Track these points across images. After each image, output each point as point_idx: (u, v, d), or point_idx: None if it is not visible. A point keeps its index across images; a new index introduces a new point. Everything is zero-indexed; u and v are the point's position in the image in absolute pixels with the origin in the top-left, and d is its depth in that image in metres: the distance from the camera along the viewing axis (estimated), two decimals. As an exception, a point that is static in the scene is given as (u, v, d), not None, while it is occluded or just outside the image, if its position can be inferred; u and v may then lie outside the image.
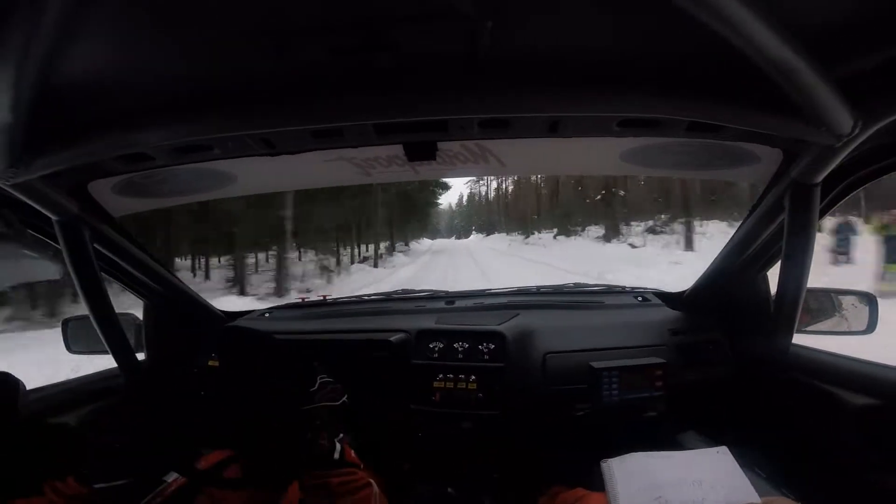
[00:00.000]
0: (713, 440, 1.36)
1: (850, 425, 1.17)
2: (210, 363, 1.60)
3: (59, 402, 1.37)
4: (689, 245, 19.41)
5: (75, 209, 1.18)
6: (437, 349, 1.61)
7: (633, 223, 26.05)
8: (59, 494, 1.01)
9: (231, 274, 15.37)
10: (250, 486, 1.22)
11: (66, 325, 1.69)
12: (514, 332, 1.60)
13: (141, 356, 1.66)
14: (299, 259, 18.62)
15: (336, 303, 2.12)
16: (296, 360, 1.20)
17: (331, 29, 0.70)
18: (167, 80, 0.82)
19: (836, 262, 10.35)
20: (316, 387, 1.16)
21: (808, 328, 1.44)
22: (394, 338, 1.63)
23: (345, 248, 22.17)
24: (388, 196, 21.85)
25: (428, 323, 1.72)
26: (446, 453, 1.65)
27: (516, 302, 1.88)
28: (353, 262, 21.63)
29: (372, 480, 1.09)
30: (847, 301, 1.43)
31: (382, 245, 27.14)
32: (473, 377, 1.53)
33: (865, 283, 6.92)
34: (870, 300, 1.38)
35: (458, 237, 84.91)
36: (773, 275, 1.35)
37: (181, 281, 1.74)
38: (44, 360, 4.99)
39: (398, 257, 27.15)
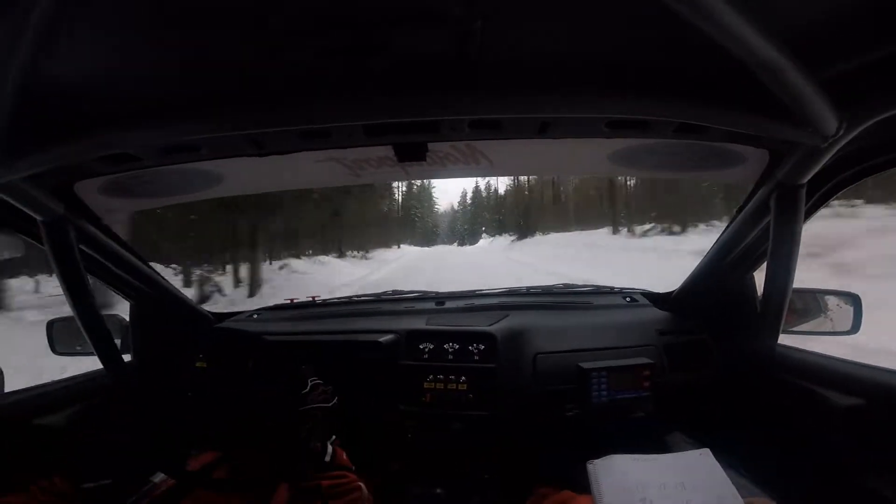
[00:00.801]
0: (700, 440, 1.38)
1: (836, 426, 1.18)
2: (198, 364, 1.59)
3: (44, 402, 1.35)
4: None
5: (60, 210, 1.16)
6: (427, 350, 1.61)
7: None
8: (46, 493, 1.00)
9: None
10: (239, 488, 1.21)
11: (52, 326, 1.66)
12: (504, 333, 1.61)
13: (128, 357, 1.64)
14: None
15: (325, 304, 2.11)
16: (285, 361, 1.20)
17: (320, 30, 0.69)
18: (154, 79, 0.81)
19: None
20: (307, 388, 1.15)
21: (794, 328, 1.46)
22: (383, 339, 1.63)
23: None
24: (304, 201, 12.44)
25: (418, 324, 1.72)
26: (436, 454, 1.65)
27: (506, 303, 1.89)
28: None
29: (362, 484, 1.09)
30: (832, 301, 1.45)
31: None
32: (463, 378, 1.54)
33: None
34: (854, 301, 1.40)
35: (462, 243, 68.21)
36: (760, 275, 1.37)
37: (168, 282, 1.72)
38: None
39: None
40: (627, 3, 0.64)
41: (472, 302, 1.93)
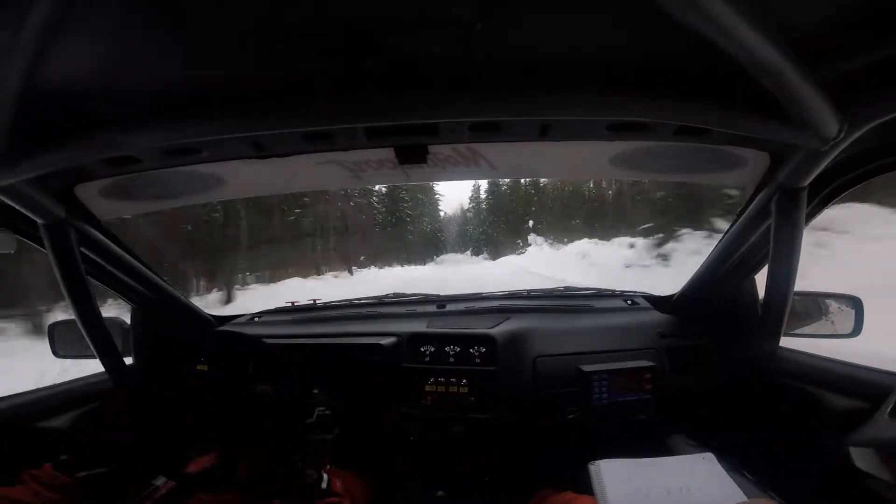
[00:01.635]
0: (701, 443, 1.37)
1: (837, 428, 1.18)
2: (199, 367, 1.59)
3: (46, 405, 1.35)
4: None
5: (62, 213, 1.17)
6: (428, 353, 1.61)
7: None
8: (39, 483, 1.00)
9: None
10: (237, 488, 1.21)
11: (53, 330, 1.66)
12: (504, 336, 1.61)
13: (129, 360, 1.64)
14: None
15: (327, 307, 2.11)
16: (287, 364, 1.20)
17: (320, 32, 0.70)
18: (154, 81, 0.81)
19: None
20: (314, 418, 1.16)
21: (796, 331, 1.45)
22: (385, 342, 1.63)
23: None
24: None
25: (419, 327, 1.73)
26: (437, 456, 1.65)
27: (507, 306, 1.89)
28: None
29: None
30: (834, 304, 1.45)
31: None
32: (464, 381, 1.54)
33: None
34: (856, 303, 1.39)
35: (476, 252, 49.91)
36: (761, 278, 1.36)
37: (169, 285, 1.72)
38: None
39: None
40: (628, 5, 0.64)
41: (473, 305, 1.94)
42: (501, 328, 1.66)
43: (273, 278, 18.40)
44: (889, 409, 1.02)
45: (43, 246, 1.21)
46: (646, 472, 1.01)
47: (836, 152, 0.89)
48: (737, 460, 1.10)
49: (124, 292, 1.61)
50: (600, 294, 2.02)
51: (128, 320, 1.75)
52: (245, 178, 1.29)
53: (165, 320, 1.77)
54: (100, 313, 1.36)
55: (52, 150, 0.88)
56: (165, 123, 0.87)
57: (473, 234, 55.91)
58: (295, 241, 21.22)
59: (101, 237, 1.35)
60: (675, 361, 1.59)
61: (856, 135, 0.81)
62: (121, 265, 1.47)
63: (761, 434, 1.40)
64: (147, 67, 0.77)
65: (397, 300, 2.11)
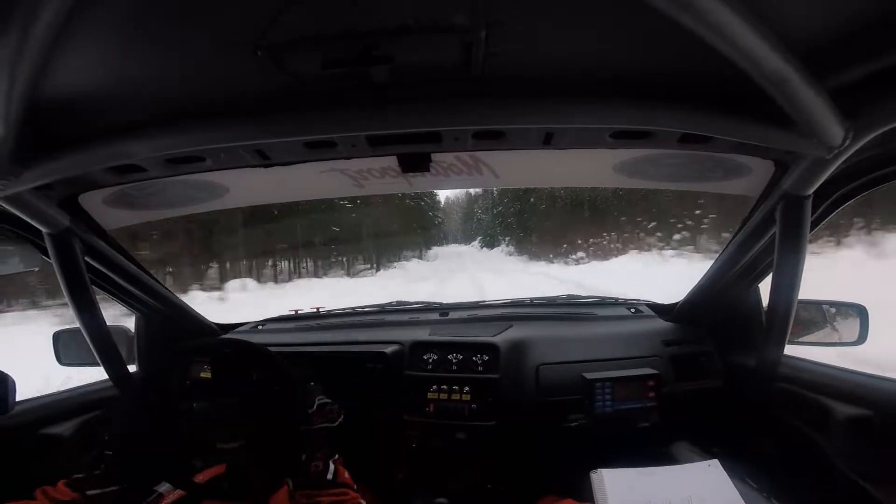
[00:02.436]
0: (706, 451, 1.36)
1: (842, 436, 1.17)
2: (202, 375, 1.59)
3: (51, 413, 1.35)
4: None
5: (66, 222, 1.17)
6: (431, 361, 1.61)
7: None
8: (51, 499, 1.00)
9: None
10: (240, 497, 1.21)
11: (58, 338, 1.67)
12: (507, 344, 1.61)
13: (133, 369, 1.65)
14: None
15: (330, 315, 2.11)
16: (291, 372, 1.20)
17: (324, 42, 0.70)
18: (159, 90, 0.82)
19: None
20: (314, 408, 1.15)
21: (800, 339, 1.45)
22: (388, 349, 1.63)
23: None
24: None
25: (422, 335, 1.72)
26: (440, 463, 1.65)
27: (510, 314, 1.88)
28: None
29: (363, 501, 1.08)
30: (838, 313, 1.44)
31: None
32: (467, 388, 1.54)
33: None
34: (861, 311, 1.38)
35: (486, 245, 46.31)
36: (765, 287, 1.36)
37: (173, 293, 1.73)
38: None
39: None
40: (632, 12, 0.64)
41: (476, 313, 1.93)
42: (504, 336, 1.66)
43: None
44: None
45: (48, 255, 1.22)
46: (648, 481, 1.00)
47: (841, 160, 0.89)
48: (741, 469, 1.10)
49: (128, 301, 1.61)
50: (603, 302, 2.02)
51: (132, 328, 1.75)
52: (248, 186, 1.29)
53: (169, 329, 1.77)
54: (104, 322, 1.36)
55: (56, 158, 0.88)
56: (170, 132, 0.87)
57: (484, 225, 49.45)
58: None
59: (106, 246, 1.36)
60: (679, 369, 1.58)
61: (861, 143, 0.81)
62: (125, 274, 1.47)
63: (766, 441, 1.39)
64: (152, 76, 0.78)
65: (400, 308, 2.11)
